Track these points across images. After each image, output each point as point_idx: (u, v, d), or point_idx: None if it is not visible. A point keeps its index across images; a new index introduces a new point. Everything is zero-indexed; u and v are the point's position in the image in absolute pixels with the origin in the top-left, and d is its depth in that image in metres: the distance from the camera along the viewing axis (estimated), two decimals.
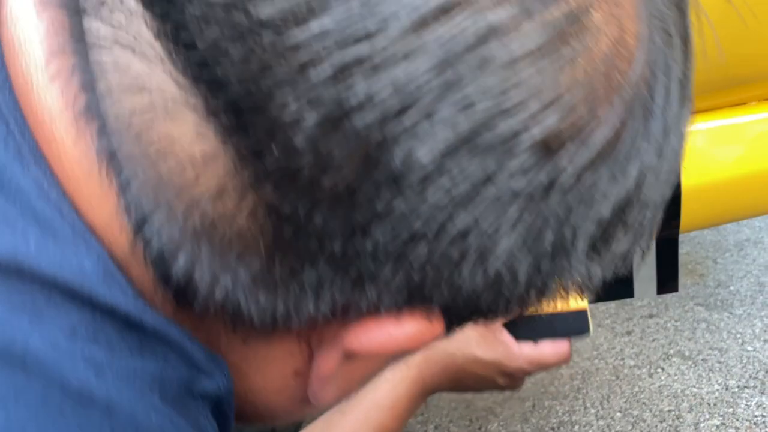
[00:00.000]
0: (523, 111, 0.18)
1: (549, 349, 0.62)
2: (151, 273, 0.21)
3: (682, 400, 1.34)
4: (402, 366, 0.61)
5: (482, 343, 0.62)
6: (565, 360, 0.63)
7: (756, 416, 1.27)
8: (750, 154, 0.67)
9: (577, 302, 0.61)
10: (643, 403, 1.34)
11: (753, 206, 0.71)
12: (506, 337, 0.62)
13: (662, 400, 1.35)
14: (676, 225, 0.71)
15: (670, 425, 1.28)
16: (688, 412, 1.31)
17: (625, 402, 1.35)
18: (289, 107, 0.18)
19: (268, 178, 0.19)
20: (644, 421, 1.30)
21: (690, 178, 0.69)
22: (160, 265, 0.21)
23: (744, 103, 0.66)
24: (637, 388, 1.38)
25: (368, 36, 0.17)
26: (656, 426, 1.28)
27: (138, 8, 0.19)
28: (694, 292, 1.67)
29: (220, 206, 0.19)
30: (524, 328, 0.62)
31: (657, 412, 1.31)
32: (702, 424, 1.27)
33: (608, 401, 1.35)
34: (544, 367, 0.63)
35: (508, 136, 0.18)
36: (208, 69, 0.18)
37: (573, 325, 0.62)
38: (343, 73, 0.17)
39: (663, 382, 1.39)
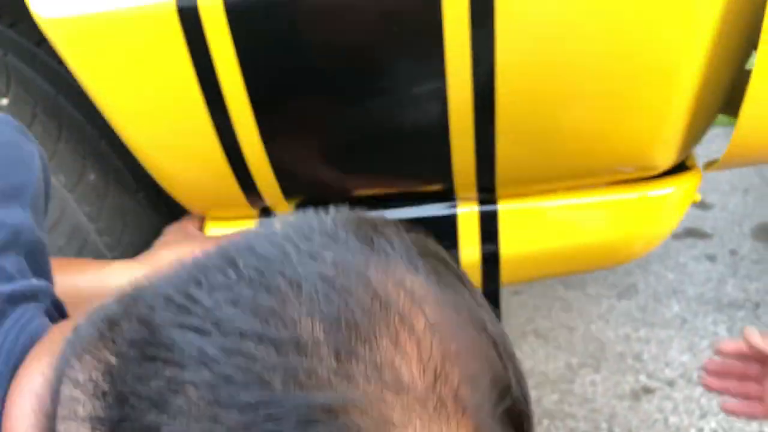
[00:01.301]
0: None
1: None
2: None
3: (530, 377, 1.53)
4: None
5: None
6: None
7: (588, 392, 1.47)
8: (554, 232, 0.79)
9: None
10: None
11: (561, 270, 0.84)
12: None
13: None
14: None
15: None
16: (533, 388, 1.50)
17: None
18: None
19: None
20: None
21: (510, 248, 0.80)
22: None
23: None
24: None
25: None
26: None
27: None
28: None
29: None
30: None
31: None
32: (544, 399, 1.46)
33: None
34: None
35: None
36: None
37: None
38: None
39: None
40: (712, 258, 1.85)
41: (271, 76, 0.68)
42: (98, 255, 0.83)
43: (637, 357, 1.55)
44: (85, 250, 0.82)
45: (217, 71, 0.67)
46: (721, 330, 1.67)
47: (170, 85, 0.68)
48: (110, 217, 0.86)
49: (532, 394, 1.46)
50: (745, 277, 1.79)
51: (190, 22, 0.64)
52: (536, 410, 1.43)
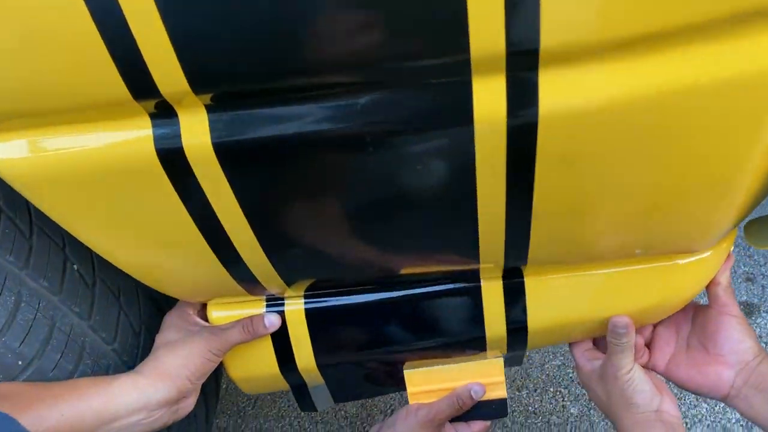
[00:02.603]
0: None
1: (478, 428, 0.80)
2: None
3: None
4: None
5: None
6: (488, 429, 0.82)
7: None
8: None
9: (500, 391, 0.79)
10: None
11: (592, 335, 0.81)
12: (448, 430, 0.79)
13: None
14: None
15: (521, 367, 1.49)
16: (536, 352, 1.52)
17: None
18: None
19: None
20: None
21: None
22: None
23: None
24: None
25: None
26: (510, 368, 1.49)
27: None
28: None
29: None
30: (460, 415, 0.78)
31: None
32: (547, 365, 1.49)
33: None
34: None
35: None
36: None
37: (496, 410, 0.80)
38: None
39: None
40: None
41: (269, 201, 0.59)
42: (100, 354, 0.78)
43: None
44: (86, 354, 0.76)
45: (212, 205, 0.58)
46: None
47: (158, 219, 0.60)
48: (104, 307, 0.79)
49: (535, 359, 1.49)
50: None
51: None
52: (540, 377, 1.46)
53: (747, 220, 0.78)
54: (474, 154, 0.53)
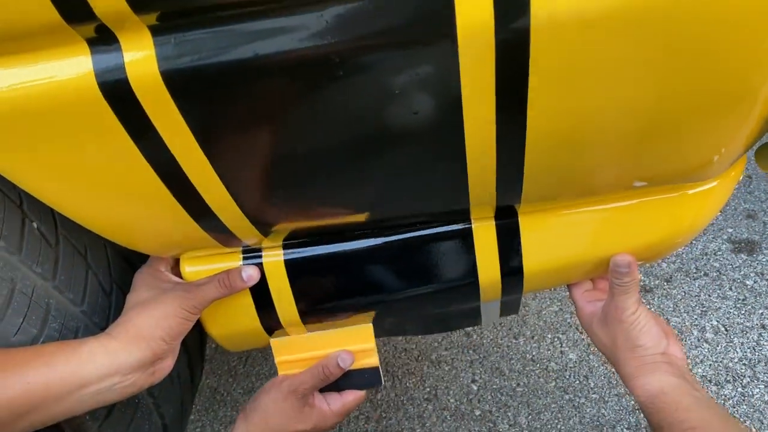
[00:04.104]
0: None
1: (352, 398, 0.77)
2: None
3: None
4: None
5: (300, 416, 0.74)
6: (362, 401, 0.79)
7: None
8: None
9: (371, 359, 0.76)
10: None
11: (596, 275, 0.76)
12: (318, 402, 0.76)
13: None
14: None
15: (518, 315, 1.45)
16: (532, 299, 1.49)
17: None
18: None
19: None
20: None
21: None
22: None
23: None
24: None
25: None
26: (506, 318, 1.45)
27: None
28: None
29: None
30: (331, 384, 0.75)
31: None
32: (544, 311, 1.46)
33: None
34: (349, 412, 0.78)
35: None
36: None
37: (369, 379, 0.77)
38: None
39: None
40: None
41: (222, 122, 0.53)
42: (68, 316, 0.72)
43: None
44: (51, 316, 0.71)
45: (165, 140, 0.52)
46: None
47: (112, 165, 0.54)
48: (70, 267, 0.73)
49: (532, 306, 1.45)
50: None
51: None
52: (538, 323, 1.43)
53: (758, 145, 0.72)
54: (458, 72, 0.46)
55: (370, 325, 0.75)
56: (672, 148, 0.55)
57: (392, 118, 0.50)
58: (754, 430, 1.15)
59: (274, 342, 0.76)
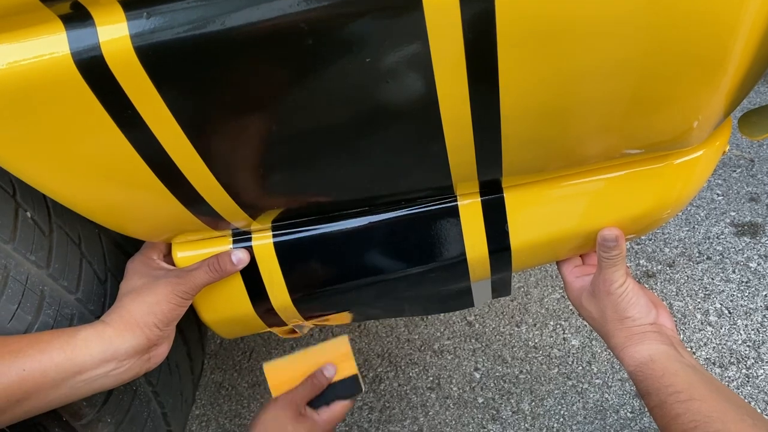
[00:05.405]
0: None
1: (339, 407, 0.86)
2: None
3: (530, 275, 1.51)
4: None
5: (296, 426, 0.80)
6: (349, 409, 0.88)
7: None
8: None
9: (350, 369, 0.86)
10: None
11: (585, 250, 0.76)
12: (309, 413, 0.84)
13: (512, 277, 1.50)
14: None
15: (520, 303, 1.45)
16: (534, 287, 1.48)
17: None
18: None
19: None
20: (498, 300, 1.46)
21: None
22: None
23: None
24: None
25: None
26: (508, 304, 1.45)
27: None
28: None
29: None
30: (318, 399, 0.85)
31: None
32: (546, 299, 1.45)
33: None
34: (339, 421, 0.87)
35: None
36: None
37: (350, 387, 0.87)
38: None
39: None
40: None
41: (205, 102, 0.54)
42: (63, 303, 0.73)
43: (635, 239, 1.52)
44: (46, 303, 0.72)
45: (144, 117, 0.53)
46: (718, 193, 1.64)
47: (95, 148, 0.55)
48: (64, 255, 0.74)
49: (534, 293, 1.45)
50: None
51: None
52: (540, 311, 1.42)
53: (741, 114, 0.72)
54: (428, 43, 0.47)
55: (346, 335, 0.85)
56: (648, 113, 0.55)
57: (369, 94, 0.51)
58: (755, 407, 1.14)
59: (267, 366, 0.86)
